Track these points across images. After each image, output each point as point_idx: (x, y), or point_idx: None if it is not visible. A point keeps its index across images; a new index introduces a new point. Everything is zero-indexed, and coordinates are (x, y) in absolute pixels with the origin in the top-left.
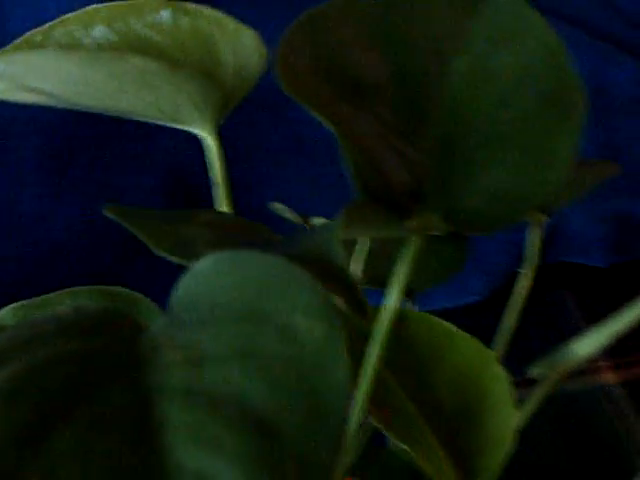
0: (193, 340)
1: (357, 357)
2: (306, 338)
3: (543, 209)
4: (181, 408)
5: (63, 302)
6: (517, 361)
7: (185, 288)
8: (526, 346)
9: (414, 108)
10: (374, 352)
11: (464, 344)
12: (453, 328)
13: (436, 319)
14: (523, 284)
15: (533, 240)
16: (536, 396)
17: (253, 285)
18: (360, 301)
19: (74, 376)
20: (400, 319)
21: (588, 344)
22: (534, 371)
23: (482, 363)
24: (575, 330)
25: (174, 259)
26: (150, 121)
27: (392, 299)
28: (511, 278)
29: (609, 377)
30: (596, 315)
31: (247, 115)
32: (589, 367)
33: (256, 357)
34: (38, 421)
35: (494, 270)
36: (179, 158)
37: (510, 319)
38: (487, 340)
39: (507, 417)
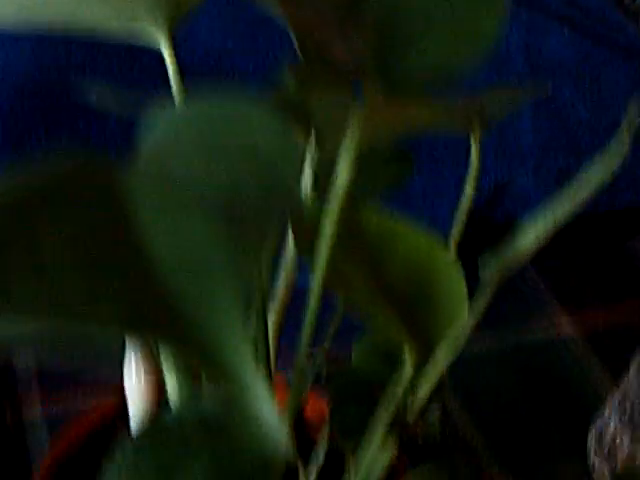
0: (163, 167)
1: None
2: (264, 145)
3: (483, 124)
4: (152, 205)
5: None
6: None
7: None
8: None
9: None
10: (328, 231)
11: (413, 236)
12: (402, 221)
13: (386, 213)
14: (465, 205)
15: (474, 156)
16: (486, 293)
17: (217, 120)
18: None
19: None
20: (350, 209)
21: (529, 238)
22: (484, 275)
23: (432, 251)
24: (532, 283)
25: None
26: (108, 35)
27: (344, 173)
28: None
29: (569, 330)
30: (550, 276)
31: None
32: (550, 322)
33: (218, 161)
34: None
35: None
36: None
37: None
38: None
39: (460, 300)
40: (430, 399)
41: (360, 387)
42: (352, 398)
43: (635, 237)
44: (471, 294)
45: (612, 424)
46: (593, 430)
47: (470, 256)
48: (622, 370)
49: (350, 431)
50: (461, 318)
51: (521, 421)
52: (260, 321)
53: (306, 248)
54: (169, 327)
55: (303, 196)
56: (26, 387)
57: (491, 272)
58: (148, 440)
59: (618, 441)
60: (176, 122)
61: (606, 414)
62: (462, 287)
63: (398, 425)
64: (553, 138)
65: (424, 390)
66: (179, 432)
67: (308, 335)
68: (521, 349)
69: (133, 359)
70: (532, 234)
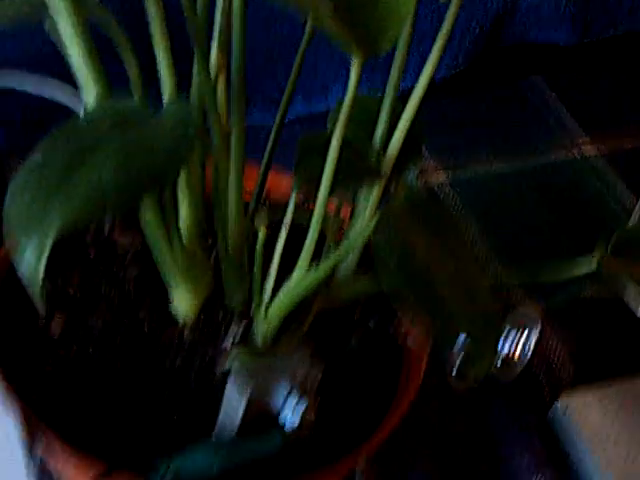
0: None
1: None
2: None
3: None
4: None
5: None
6: (500, 149)
7: None
8: (508, 132)
9: None
10: None
11: None
12: None
13: None
14: None
15: None
16: None
17: None
18: None
19: None
20: None
21: None
22: None
23: None
24: (553, 112)
25: None
26: None
27: None
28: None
29: (589, 150)
30: (569, 96)
31: None
32: (572, 143)
33: None
34: None
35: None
36: None
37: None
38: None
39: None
40: (405, 158)
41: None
42: (317, 151)
43: None
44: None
45: None
46: None
47: (480, 78)
48: None
49: (313, 179)
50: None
51: (542, 238)
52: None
53: None
54: None
55: None
56: None
57: None
58: (60, 135)
59: None
60: None
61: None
62: None
63: (371, 175)
64: None
65: (394, 143)
66: (91, 126)
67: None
68: (542, 169)
69: None
70: None
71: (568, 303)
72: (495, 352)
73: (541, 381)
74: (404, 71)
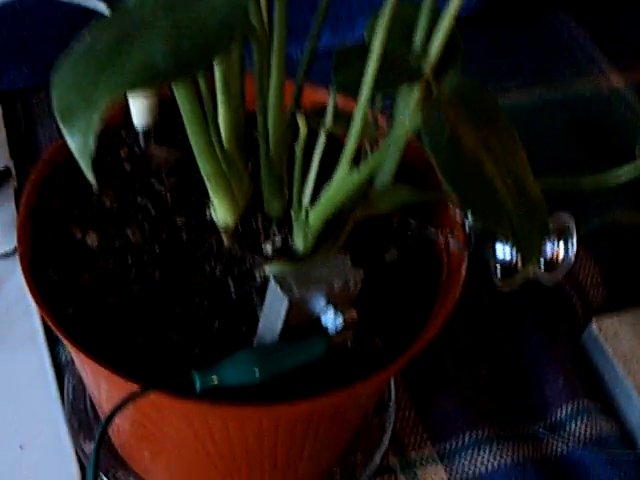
0: None
1: None
2: None
3: None
4: None
5: None
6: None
7: None
8: (535, 65)
9: None
10: None
11: None
12: None
13: None
14: None
15: None
16: None
17: None
18: None
19: None
20: None
21: None
22: None
23: None
24: (580, 44)
25: None
26: None
27: None
28: None
29: (617, 80)
30: (596, 28)
31: None
32: (601, 75)
33: None
34: None
35: None
36: None
37: None
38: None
39: None
40: (445, 62)
41: (365, 52)
42: (356, 56)
43: None
44: None
45: None
46: None
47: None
48: None
49: (353, 85)
50: None
51: (572, 171)
52: None
53: None
54: None
55: None
56: None
57: None
58: (108, 19)
59: None
60: None
61: None
62: None
63: (412, 75)
64: None
65: (435, 45)
66: (141, 7)
67: None
68: (571, 101)
69: None
70: None
71: (602, 228)
72: (544, 239)
73: (574, 304)
74: None
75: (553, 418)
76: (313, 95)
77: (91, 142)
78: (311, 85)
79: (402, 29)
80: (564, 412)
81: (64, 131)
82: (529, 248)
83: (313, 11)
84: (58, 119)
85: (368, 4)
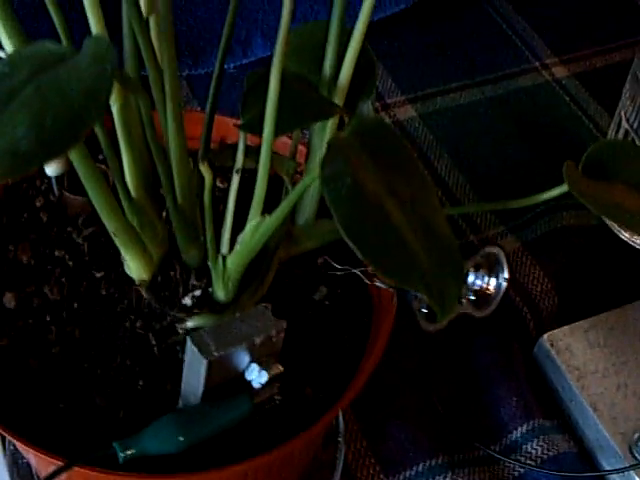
0: None
1: None
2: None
3: None
4: None
5: None
6: (468, 76)
7: None
8: (475, 59)
9: None
10: None
11: None
12: None
13: None
14: None
15: None
16: None
17: None
18: None
19: None
20: None
21: None
22: None
23: None
24: (520, 34)
25: None
26: None
27: None
28: None
29: (560, 71)
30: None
31: None
32: (542, 65)
33: None
34: None
35: None
36: None
37: None
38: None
39: None
40: (358, 87)
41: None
42: (265, 86)
43: None
44: None
45: None
46: None
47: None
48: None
49: (259, 125)
50: None
51: (517, 167)
52: None
53: None
54: None
55: None
56: None
57: None
58: None
59: None
60: None
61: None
62: None
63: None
64: None
65: (345, 71)
66: (7, 74)
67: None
68: (514, 94)
69: None
70: None
71: (546, 233)
72: (460, 289)
73: (525, 317)
74: None
75: (508, 440)
76: (226, 126)
77: None
78: (222, 117)
79: (313, 50)
80: (519, 433)
81: None
82: (444, 302)
83: (243, 24)
84: None
85: (299, 13)
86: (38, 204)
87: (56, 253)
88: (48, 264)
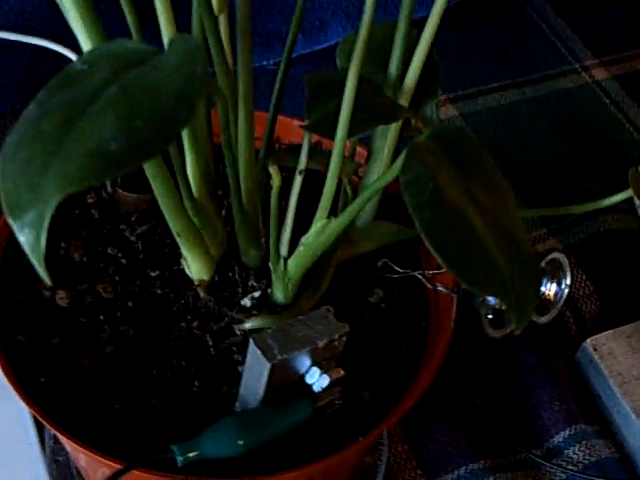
0: None
1: None
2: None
3: None
4: None
5: None
6: (510, 77)
7: None
8: (516, 60)
9: None
10: None
11: None
12: None
13: None
14: None
15: None
16: None
17: None
18: None
19: None
20: None
21: None
22: None
23: None
24: (561, 36)
25: None
26: None
27: None
28: None
29: (600, 73)
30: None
31: None
32: (582, 67)
33: None
34: None
35: None
36: None
37: None
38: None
39: None
40: (423, 90)
41: (339, 83)
42: (329, 91)
43: None
44: None
45: None
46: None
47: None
48: None
49: (328, 119)
50: None
51: (558, 168)
52: None
53: None
54: None
55: None
56: None
57: None
58: (55, 83)
59: None
60: None
61: None
62: None
63: (389, 110)
64: None
65: (411, 73)
66: (88, 72)
67: None
68: (555, 96)
69: None
70: None
71: (588, 236)
72: (538, 297)
73: (567, 321)
74: None
75: (550, 444)
76: (288, 126)
77: (43, 239)
78: (285, 117)
79: (377, 52)
80: (561, 437)
81: (13, 226)
82: (523, 311)
83: (284, 20)
84: (6, 213)
85: (341, 10)
86: (90, 200)
87: (109, 251)
88: (101, 262)
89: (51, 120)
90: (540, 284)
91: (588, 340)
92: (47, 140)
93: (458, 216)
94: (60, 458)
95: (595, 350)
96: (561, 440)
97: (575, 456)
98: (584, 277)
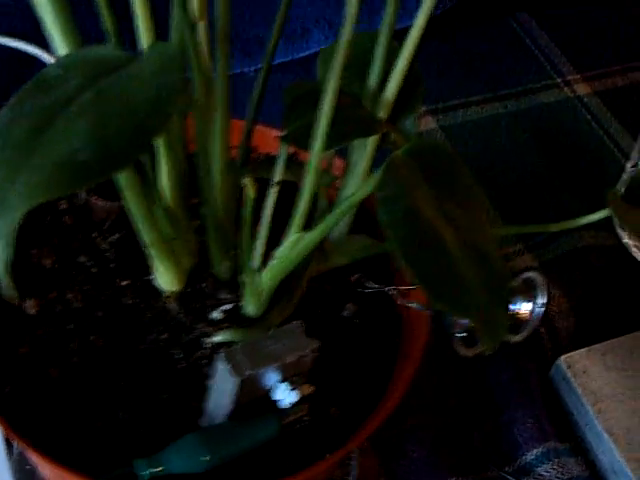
0: None
1: None
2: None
3: None
4: None
5: None
6: (490, 90)
7: None
8: (497, 73)
9: None
10: None
11: None
12: None
13: None
14: None
15: None
16: None
17: None
18: None
19: None
20: None
21: None
22: None
23: None
24: (543, 50)
25: None
26: None
27: None
28: None
29: (582, 89)
30: (559, 33)
31: None
32: (564, 82)
33: None
34: None
35: None
36: None
37: None
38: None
39: None
40: (403, 103)
41: (318, 94)
42: (307, 102)
43: None
44: None
45: None
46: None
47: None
48: None
49: (305, 131)
50: None
51: (537, 182)
52: None
53: None
54: None
55: None
56: None
57: None
58: (28, 88)
59: None
60: None
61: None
62: None
63: (368, 123)
64: None
65: (391, 86)
66: (62, 77)
67: None
68: (535, 109)
69: None
70: None
71: (564, 253)
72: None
73: (542, 337)
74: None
75: (522, 462)
76: (266, 135)
77: (9, 250)
78: (263, 126)
79: (357, 63)
80: (533, 455)
81: None
82: (493, 332)
83: (267, 26)
84: None
85: (323, 18)
86: (63, 207)
87: (80, 259)
88: (72, 270)
89: (22, 126)
90: (509, 304)
91: (562, 357)
92: (17, 147)
93: (431, 234)
94: (27, 467)
95: (569, 368)
96: (533, 458)
97: (546, 474)
98: (560, 293)
